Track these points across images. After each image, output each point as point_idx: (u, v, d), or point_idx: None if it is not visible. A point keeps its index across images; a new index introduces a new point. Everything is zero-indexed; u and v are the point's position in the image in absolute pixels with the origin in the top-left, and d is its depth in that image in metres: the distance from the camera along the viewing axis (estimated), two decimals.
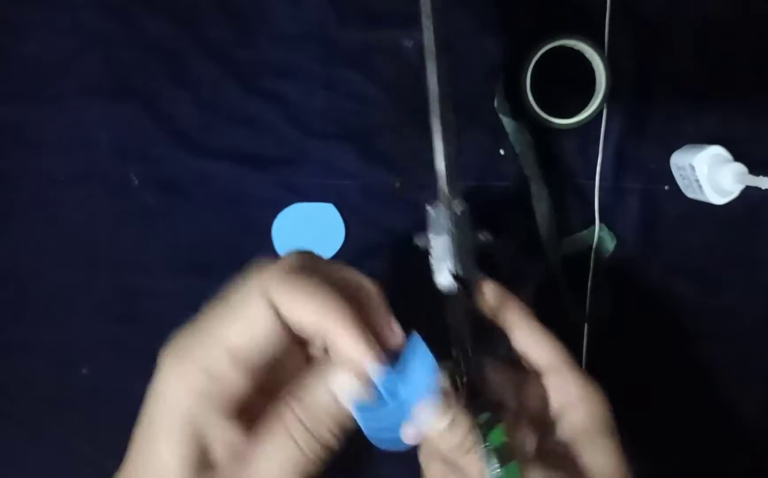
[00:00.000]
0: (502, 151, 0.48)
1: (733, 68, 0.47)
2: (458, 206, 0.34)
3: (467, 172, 0.48)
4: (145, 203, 0.48)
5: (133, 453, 0.26)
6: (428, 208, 0.34)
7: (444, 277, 0.34)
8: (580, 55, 0.46)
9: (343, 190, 0.48)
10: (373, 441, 0.27)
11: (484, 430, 0.27)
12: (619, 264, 0.48)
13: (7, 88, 0.48)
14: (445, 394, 0.27)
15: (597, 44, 0.44)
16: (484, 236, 0.35)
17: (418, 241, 0.35)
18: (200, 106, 0.48)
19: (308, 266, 0.26)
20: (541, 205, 0.48)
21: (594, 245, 0.48)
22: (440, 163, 0.34)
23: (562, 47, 0.45)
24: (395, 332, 0.28)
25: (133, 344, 0.48)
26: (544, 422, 0.32)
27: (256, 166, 0.48)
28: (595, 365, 0.49)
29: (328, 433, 0.25)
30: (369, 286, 0.28)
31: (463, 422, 0.27)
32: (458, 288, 0.33)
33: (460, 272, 0.34)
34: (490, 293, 0.34)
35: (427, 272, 0.48)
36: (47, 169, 0.48)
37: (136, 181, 0.48)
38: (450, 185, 0.34)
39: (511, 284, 0.48)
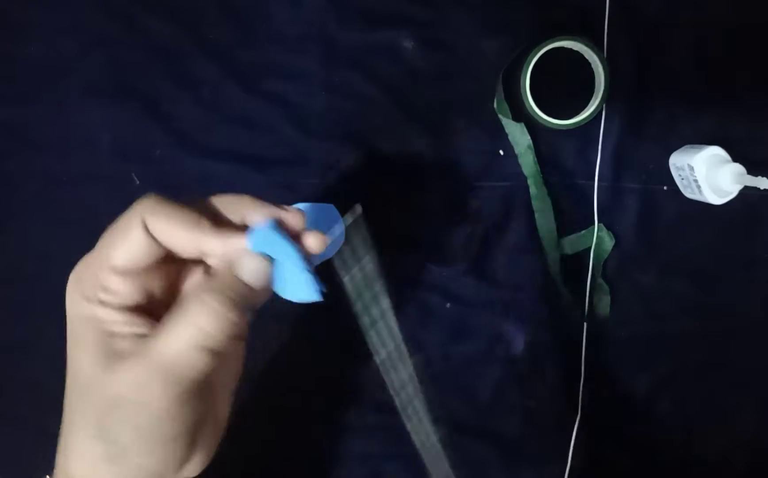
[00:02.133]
0: (501, 152, 0.48)
1: (732, 69, 0.48)
2: None
3: (467, 172, 0.48)
4: None
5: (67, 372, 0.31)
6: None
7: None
8: (579, 56, 0.46)
9: (343, 190, 0.48)
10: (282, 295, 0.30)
11: None
12: (618, 264, 0.48)
13: (9, 89, 0.48)
14: None
15: (596, 45, 0.44)
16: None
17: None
18: (201, 106, 0.48)
19: (182, 199, 0.31)
20: (541, 206, 0.48)
21: (593, 245, 0.48)
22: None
23: (562, 48, 0.45)
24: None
25: None
26: None
27: (257, 167, 0.48)
28: (595, 364, 0.49)
29: (231, 303, 0.28)
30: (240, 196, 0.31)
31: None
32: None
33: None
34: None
35: (423, 273, 0.49)
36: (49, 170, 0.48)
37: (138, 182, 0.48)
38: None
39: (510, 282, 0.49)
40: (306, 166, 0.48)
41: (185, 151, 0.48)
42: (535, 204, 0.48)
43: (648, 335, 0.49)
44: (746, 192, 0.45)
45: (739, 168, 0.43)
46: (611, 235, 0.48)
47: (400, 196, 0.48)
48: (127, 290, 0.29)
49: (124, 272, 0.29)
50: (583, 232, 0.48)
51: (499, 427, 0.49)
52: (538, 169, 0.47)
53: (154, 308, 0.30)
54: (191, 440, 0.29)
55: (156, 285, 0.30)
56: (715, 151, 0.44)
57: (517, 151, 0.48)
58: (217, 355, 0.28)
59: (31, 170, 0.48)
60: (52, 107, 0.48)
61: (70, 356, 0.31)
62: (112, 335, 0.29)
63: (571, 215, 0.48)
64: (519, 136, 0.47)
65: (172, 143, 0.48)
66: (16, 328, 0.48)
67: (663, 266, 0.49)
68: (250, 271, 0.28)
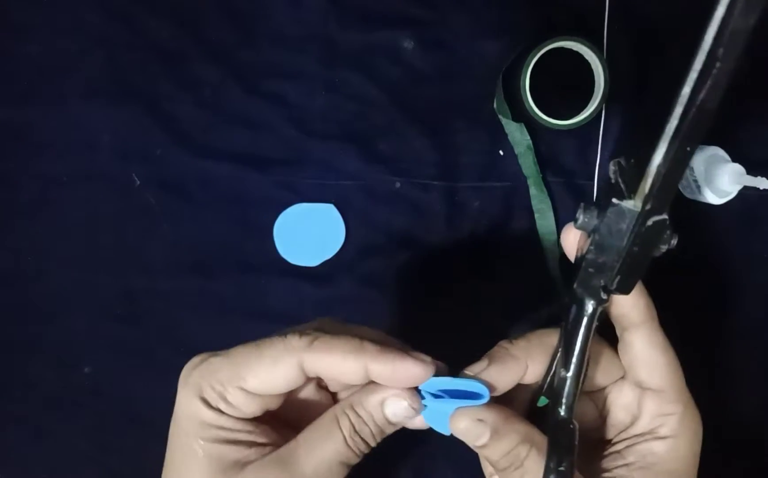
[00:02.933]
0: (501, 152, 0.48)
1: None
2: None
3: (467, 172, 0.48)
4: (147, 204, 0.48)
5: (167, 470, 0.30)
6: (615, 202, 0.28)
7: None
8: (578, 57, 0.46)
9: (343, 190, 0.48)
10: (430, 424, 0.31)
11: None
12: None
13: (9, 89, 0.48)
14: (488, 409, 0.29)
15: (596, 45, 0.44)
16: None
17: (585, 217, 0.29)
18: (201, 107, 0.48)
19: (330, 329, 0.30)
20: (541, 206, 0.48)
21: None
22: (656, 161, 0.26)
23: (562, 48, 0.46)
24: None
25: (135, 344, 0.48)
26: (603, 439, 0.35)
27: (257, 167, 0.48)
28: None
29: (371, 434, 0.30)
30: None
31: (508, 439, 0.29)
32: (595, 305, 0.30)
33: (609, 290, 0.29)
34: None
35: (428, 269, 0.49)
36: (49, 170, 0.48)
37: (138, 182, 0.48)
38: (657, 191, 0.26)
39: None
40: (306, 167, 0.48)
41: (185, 151, 0.48)
42: (535, 204, 0.48)
43: None
44: (746, 192, 0.45)
45: (738, 168, 0.43)
46: None
47: (400, 197, 0.48)
48: (250, 408, 0.29)
49: (254, 394, 0.29)
50: None
51: None
52: (538, 169, 0.47)
53: (269, 417, 0.31)
54: None
55: (276, 401, 0.31)
56: (715, 151, 0.44)
57: (516, 152, 0.48)
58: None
59: (30, 170, 0.48)
60: (52, 107, 0.48)
61: (173, 460, 0.30)
62: (230, 442, 0.29)
63: (571, 215, 0.48)
64: (519, 136, 0.47)
65: (173, 143, 0.48)
66: (16, 328, 0.48)
67: (661, 266, 0.48)
68: (395, 414, 0.30)
